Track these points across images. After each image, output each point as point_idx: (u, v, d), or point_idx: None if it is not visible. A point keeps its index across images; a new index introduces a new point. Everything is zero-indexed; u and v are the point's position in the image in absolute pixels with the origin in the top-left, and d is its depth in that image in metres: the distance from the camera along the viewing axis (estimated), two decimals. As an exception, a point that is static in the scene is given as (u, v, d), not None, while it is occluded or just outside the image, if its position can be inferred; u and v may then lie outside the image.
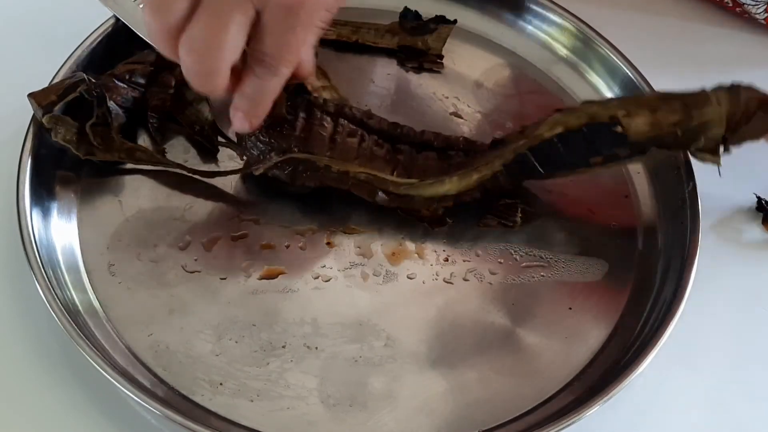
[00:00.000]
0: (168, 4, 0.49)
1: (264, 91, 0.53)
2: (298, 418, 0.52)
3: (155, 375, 0.53)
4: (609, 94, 0.68)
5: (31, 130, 0.58)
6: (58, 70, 0.60)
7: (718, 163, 0.56)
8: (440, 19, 0.69)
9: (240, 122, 0.54)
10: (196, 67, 0.50)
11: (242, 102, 0.54)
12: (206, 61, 0.50)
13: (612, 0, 0.76)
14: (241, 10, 0.49)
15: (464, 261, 0.59)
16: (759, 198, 0.65)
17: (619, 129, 0.55)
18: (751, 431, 0.57)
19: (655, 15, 0.76)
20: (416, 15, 0.70)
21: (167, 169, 0.60)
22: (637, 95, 0.63)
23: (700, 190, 0.60)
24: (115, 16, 0.63)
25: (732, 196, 0.65)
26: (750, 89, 0.56)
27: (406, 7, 0.70)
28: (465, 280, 0.58)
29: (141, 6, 0.63)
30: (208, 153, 0.62)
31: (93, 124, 0.58)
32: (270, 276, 0.57)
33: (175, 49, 0.50)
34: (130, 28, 0.63)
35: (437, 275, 0.58)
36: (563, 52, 0.70)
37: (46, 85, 0.60)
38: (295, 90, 0.59)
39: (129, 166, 0.60)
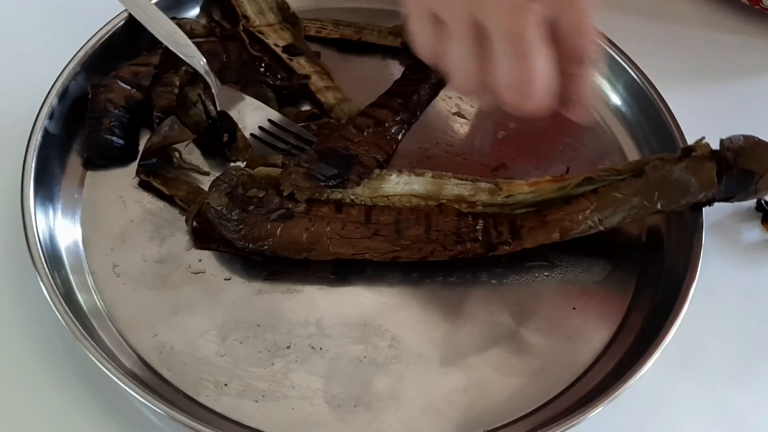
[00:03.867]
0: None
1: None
2: (303, 419, 0.52)
3: (160, 376, 0.53)
4: (613, 95, 0.68)
5: (35, 131, 0.58)
6: (62, 70, 0.61)
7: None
8: None
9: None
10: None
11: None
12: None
13: (614, 1, 0.76)
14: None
15: (468, 261, 0.59)
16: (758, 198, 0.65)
17: None
18: (754, 430, 0.57)
19: (658, 16, 0.77)
20: None
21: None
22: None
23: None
24: (127, 12, 0.63)
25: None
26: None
27: None
28: (469, 280, 0.58)
29: (153, 1, 0.64)
30: (212, 153, 0.62)
31: None
32: (274, 276, 0.57)
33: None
34: (135, 28, 0.63)
35: (441, 275, 0.58)
36: (566, 52, 0.70)
37: (48, 85, 0.60)
38: None
39: (132, 167, 0.60)
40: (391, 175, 0.58)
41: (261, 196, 0.56)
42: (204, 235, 0.58)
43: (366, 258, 0.57)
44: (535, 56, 0.49)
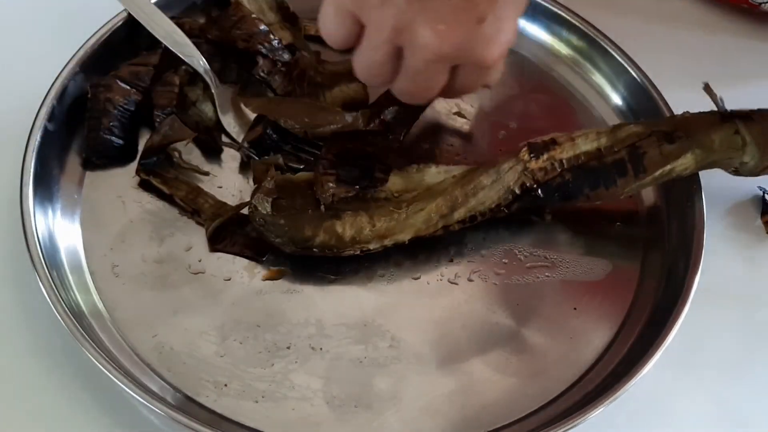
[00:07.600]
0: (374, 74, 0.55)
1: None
2: (303, 419, 0.52)
3: (160, 376, 0.53)
4: (613, 94, 0.68)
5: (34, 130, 0.58)
6: (62, 70, 0.60)
7: None
8: None
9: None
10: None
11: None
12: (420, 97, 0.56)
13: (615, 1, 0.76)
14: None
15: (469, 261, 0.59)
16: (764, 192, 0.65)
17: None
18: (754, 430, 0.57)
19: (659, 16, 0.77)
20: None
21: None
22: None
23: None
24: (126, 12, 0.63)
25: (733, 196, 0.66)
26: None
27: None
28: (470, 280, 0.58)
29: (153, 1, 0.64)
30: (212, 153, 0.62)
31: None
32: (274, 277, 0.57)
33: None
34: (134, 28, 0.63)
35: (442, 276, 0.58)
36: (566, 51, 0.70)
37: (48, 85, 0.59)
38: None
39: (131, 167, 0.60)
40: (429, 167, 0.59)
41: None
42: (216, 237, 0.58)
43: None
44: (436, 85, 0.54)
